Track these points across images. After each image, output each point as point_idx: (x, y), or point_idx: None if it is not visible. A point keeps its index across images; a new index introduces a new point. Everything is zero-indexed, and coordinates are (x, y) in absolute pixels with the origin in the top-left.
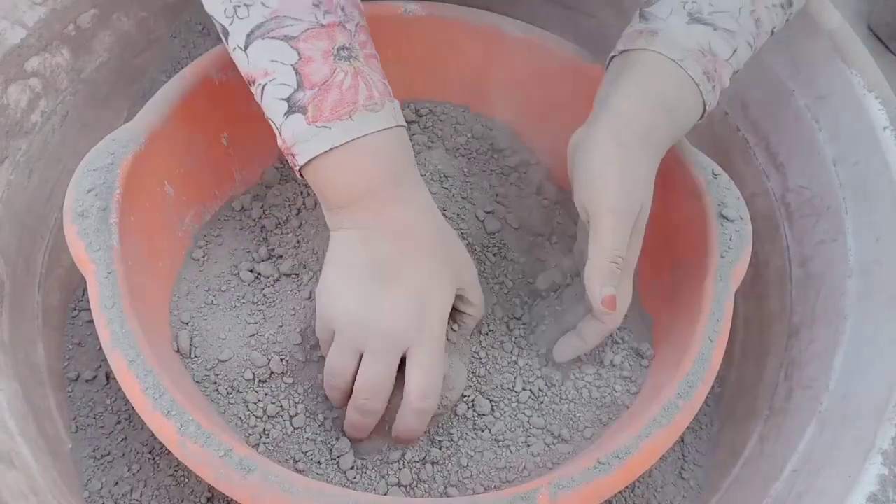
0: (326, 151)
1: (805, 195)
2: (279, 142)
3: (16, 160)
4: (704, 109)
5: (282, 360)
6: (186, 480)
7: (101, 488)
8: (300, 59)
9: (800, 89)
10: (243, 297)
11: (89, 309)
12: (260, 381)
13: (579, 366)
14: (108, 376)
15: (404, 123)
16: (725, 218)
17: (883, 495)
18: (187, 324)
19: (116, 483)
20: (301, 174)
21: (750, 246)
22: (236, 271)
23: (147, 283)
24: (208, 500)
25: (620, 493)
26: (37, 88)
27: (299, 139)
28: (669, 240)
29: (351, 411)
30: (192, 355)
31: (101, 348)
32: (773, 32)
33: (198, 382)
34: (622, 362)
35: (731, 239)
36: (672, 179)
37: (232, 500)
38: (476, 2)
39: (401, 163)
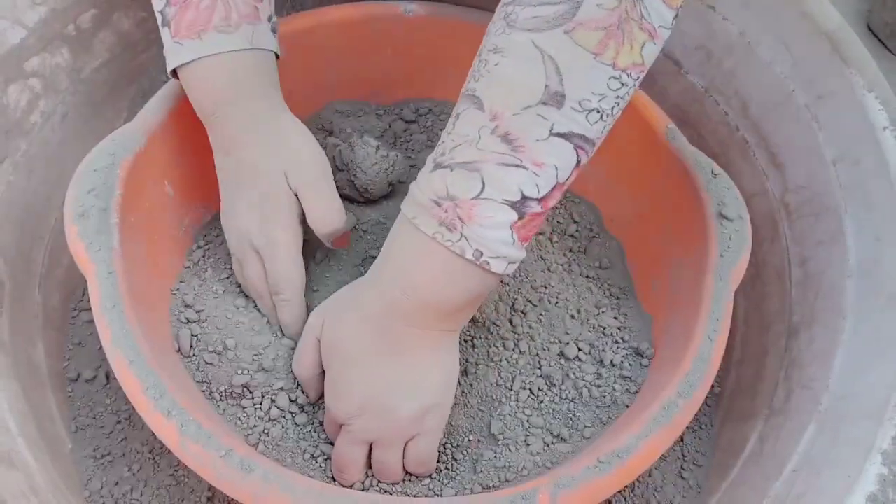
0: (179, 66)
1: (804, 195)
2: None
3: (15, 160)
4: (473, 259)
5: (282, 359)
6: (186, 480)
7: (101, 488)
8: None
9: (799, 89)
10: (243, 298)
11: (89, 309)
12: (259, 382)
13: (579, 365)
14: (109, 376)
15: (267, 47)
16: (725, 217)
17: (883, 495)
18: (187, 324)
19: (117, 483)
20: None
21: (749, 245)
22: None
23: (147, 283)
24: (208, 499)
25: (620, 492)
26: (36, 88)
27: (167, 51)
28: (669, 239)
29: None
30: (193, 355)
31: (101, 348)
32: (563, 135)
33: (198, 382)
34: (622, 362)
35: (730, 238)
36: (672, 179)
37: (232, 500)
38: (476, 2)
39: (248, 84)
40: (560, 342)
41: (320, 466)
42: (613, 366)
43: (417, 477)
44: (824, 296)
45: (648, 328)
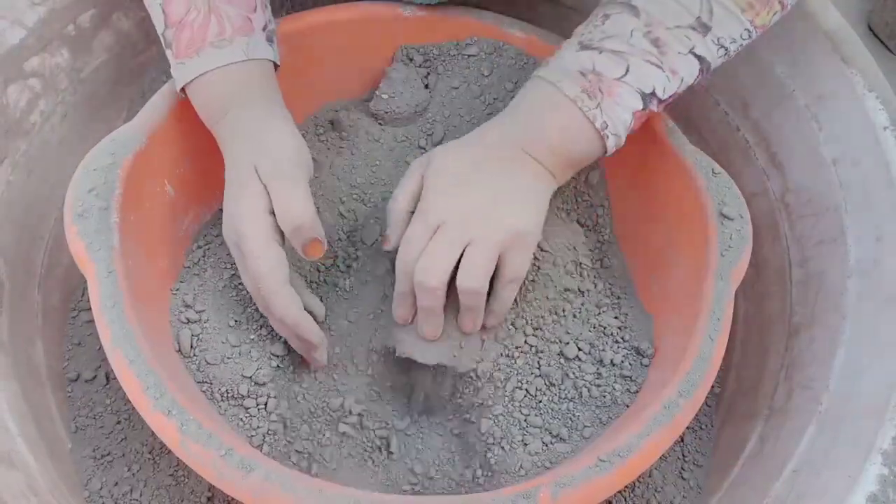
0: (185, 85)
1: (805, 195)
2: None
3: (15, 160)
4: (599, 131)
5: (282, 359)
6: (186, 480)
7: (101, 488)
8: None
9: (800, 89)
10: (243, 297)
11: (89, 309)
12: (259, 383)
13: (579, 365)
14: (108, 376)
15: (262, 56)
16: (725, 217)
17: (883, 495)
18: (188, 324)
19: (116, 483)
20: None
21: (750, 245)
22: (236, 271)
23: (147, 282)
24: (208, 499)
25: (620, 492)
26: (36, 88)
27: (173, 72)
28: (670, 238)
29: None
30: (193, 355)
31: (100, 348)
32: (699, 56)
33: (199, 383)
34: (622, 361)
35: (731, 238)
36: (672, 178)
37: (232, 499)
38: (476, 1)
39: (243, 93)
40: (560, 342)
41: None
42: (613, 365)
43: (485, 329)
44: (825, 296)
45: (649, 327)
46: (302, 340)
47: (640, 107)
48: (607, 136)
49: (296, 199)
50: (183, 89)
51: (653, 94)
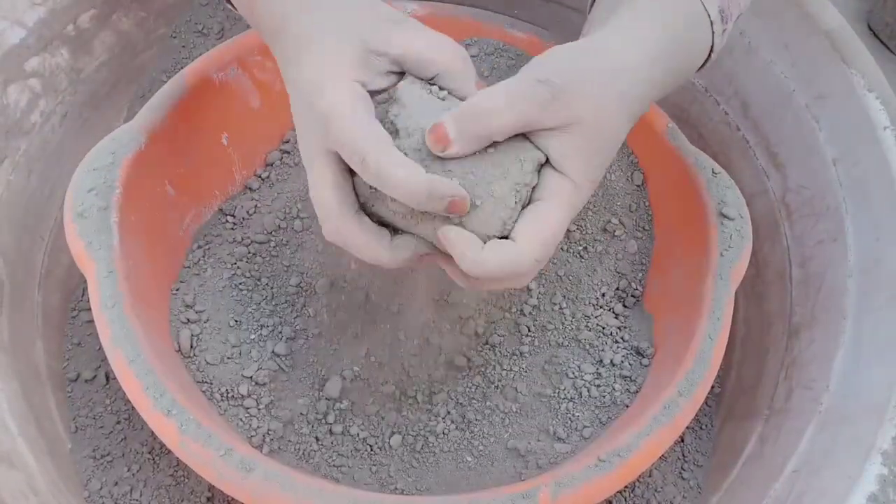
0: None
1: (805, 195)
2: None
3: (15, 160)
4: (710, 54)
5: (283, 359)
6: (186, 480)
7: (100, 488)
8: None
9: (800, 89)
10: (243, 297)
11: (89, 309)
12: (260, 383)
13: (579, 365)
14: (108, 376)
15: None
16: (725, 216)
17: (883, 495)
18: (188, 324)
19: (116, 483)
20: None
21: (750, 244)
22: (236, 271)
23: (147, 282)
24: (208, 499)
25: (620, 493)
26: (36, 88)
27: None
28: (670, 238)
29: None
30: (193, 355)
31: (100, 348)
32: None
33: (199, 383)
34: (622, 361)
35: (731, 238)
36: (672, 178)
37: (232, 500)
38: (476, 1)
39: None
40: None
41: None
42: (613, 365)
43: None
44: (825, 296)
45: (649, 328)
46: (442, 200)
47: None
48: (704, 62)
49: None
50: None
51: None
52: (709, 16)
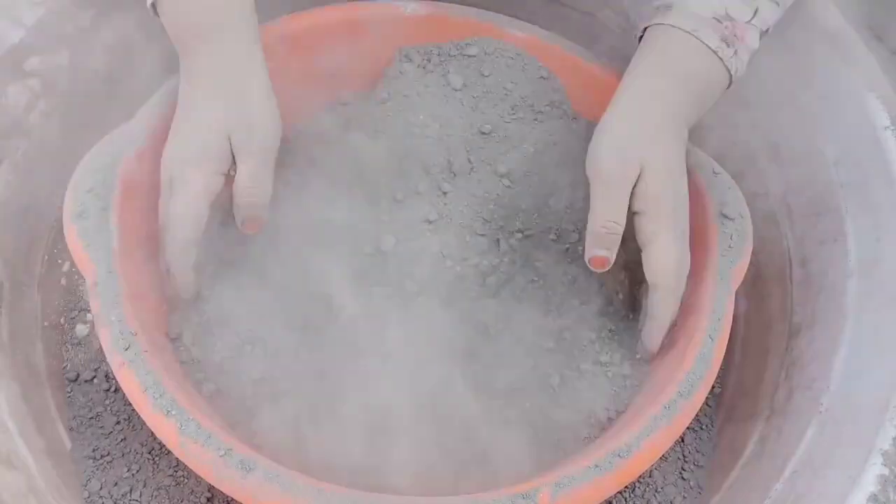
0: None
1: (805, 195)
2: None
3: (14, 160)
4: (731, 76)
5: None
6: (186, 481)
7: (100, 489)
8: None
9: (800, 89)
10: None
11: (89, 309)
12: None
13: (578, 364)
14: (108, 377)
15: None
16: (726, 217)
17: (883, 496)
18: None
19: (116, 483)
20: None
21: (751, 245)
22: None
23: (147, 283)
24: (208, 500)
25: (621, 493)
26: (36, 88)
27: None
28: None
29: None
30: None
31: (100, 349)
32: None
33: (198, 383)
34: (621, 361)
35: (731, 238)
36: None
37: (232, 500)
38: (476, 1)
39: (216, 16)
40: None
41: None
42: (613, 365)
43: None
44: (825, 296)
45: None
46: (170, 278)
47: (757, 46)
48: (732, 84)
49: (260, 180)
50: (153, 7)
51: (767, 31)
52: (709, 46)
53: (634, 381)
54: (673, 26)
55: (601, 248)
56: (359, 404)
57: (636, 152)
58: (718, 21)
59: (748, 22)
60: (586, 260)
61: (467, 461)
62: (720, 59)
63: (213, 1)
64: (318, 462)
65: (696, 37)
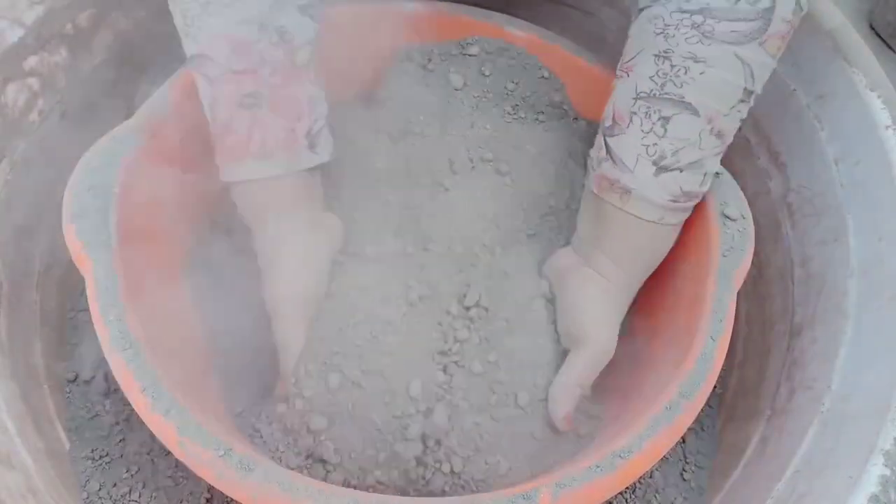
0: (226, 183)
1: (806, 195)
2: None
3: (13, 159)
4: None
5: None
6: (185, 481)
7: (99, 489)
8: (213, 100)
9: (801, 88)
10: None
11: (88, 309)
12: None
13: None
14: (107, 377)
15: (304, 166)
16: (728, 217)
17: (885, 496)
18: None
19: (115, 484)
20: None
21: (752, 245)
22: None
23: (146, 283)
24: (207, 500)
25: (622, 493)
26: (35, 87)
27: (219, 164)
28: None
29: None
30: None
31: (99, 349)
32: (741, 121)
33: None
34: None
35: (733, 238)
36: None
37: (231, 500)
38: (478, 1)
39: (279, 205)
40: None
41: None
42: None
43: None
44: (826, 296)
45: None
46: None
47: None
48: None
49: (286, 344)
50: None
51: (716, 174)
52: (673, 226)
53: None
54: (639, 218)
55: (570, 407)
56: None
57: (614, 333)
58: (675, 201)
59: (700, 185)
60: (555, 415)
61: None
62: (675, 228)
63: (274, 196)
64: None
65: (661, 224)
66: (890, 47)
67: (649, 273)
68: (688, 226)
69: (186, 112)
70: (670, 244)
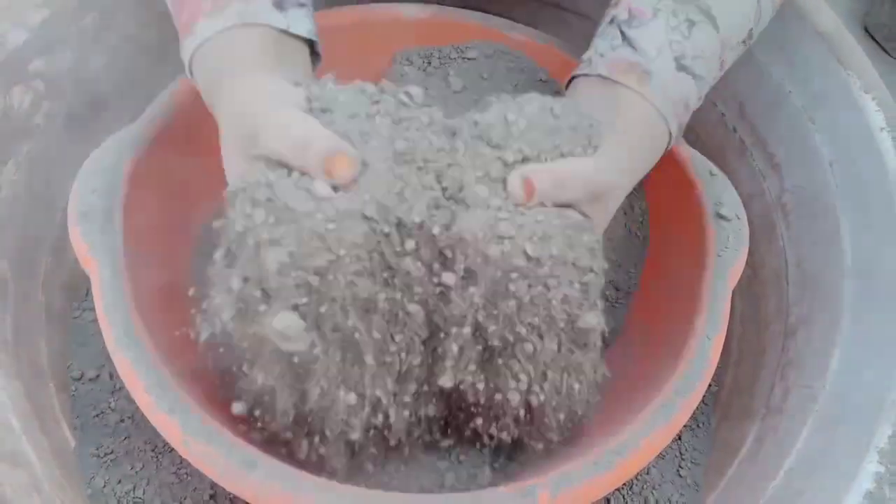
0: (189, 64)
1: (801, 196)
2: None
3: (19, 161)
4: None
5: None
6: (189, 478)
7: (104, 486)
8: None
9: (796, 90)
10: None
11: (93, 308)
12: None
13: None
14: (112, 375)
15: (264, 21)
16: (723, 217)
17: (879, 493)
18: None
19: (120, 481)
20: None
21: (747, 245)
22: None
23: (151, 282)
24: (211, 496)
25: (618, 490)
26: (40, 90)
27: (182, 55)
28: (667, 238)
29: None
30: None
31: (104, 347)
32: (724, 71)
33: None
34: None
35: (728, 238)
36: (669, 179)
37: (235, 497)
38: (475, 4)
39: (233, 62)
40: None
41: None
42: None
43: None
44: (821, 296)
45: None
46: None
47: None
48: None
49: (292, 123)
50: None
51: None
52: (671, 133)
53: None
54: (652, 105)
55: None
56: None
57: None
58: (684, 108)
59: (693, 109)
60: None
61: None
62: (671, 143)
63: (229, 53)
64: None
65: (667, 123)
66: (884, 50)
67: (640, 176)
68: (683, 225)
69: (192, 113)
70: (659, 155)
